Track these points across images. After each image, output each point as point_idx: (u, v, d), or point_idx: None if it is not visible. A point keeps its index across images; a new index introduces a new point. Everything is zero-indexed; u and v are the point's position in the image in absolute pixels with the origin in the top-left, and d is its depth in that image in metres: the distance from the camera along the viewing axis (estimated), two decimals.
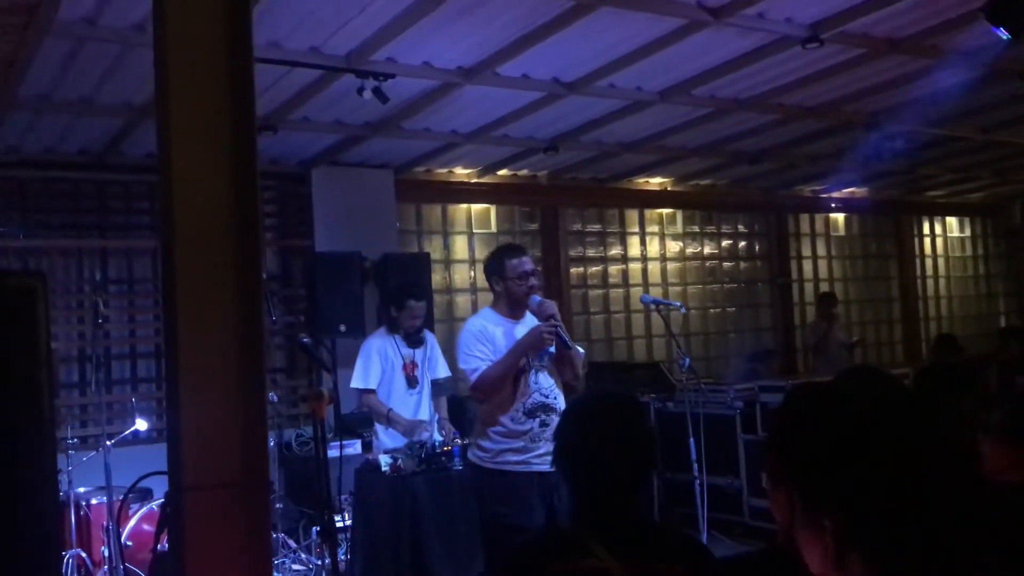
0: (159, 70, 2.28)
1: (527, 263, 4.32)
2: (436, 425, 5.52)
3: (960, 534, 1.06)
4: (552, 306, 4.22)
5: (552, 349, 4.22)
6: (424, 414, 5.81)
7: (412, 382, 5.87)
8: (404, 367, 5.88)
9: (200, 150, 2.25)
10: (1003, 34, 4.51)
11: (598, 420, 2.18)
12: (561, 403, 4.24)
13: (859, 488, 1.07)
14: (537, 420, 4.15)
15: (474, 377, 4.17)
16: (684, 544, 2.11)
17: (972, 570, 1.06)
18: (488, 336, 4.23)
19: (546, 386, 4.23)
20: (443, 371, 6.04)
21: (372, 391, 5.86)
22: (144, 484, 5.16)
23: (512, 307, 4.32)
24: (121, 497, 5.23)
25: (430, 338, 6.13)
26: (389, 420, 5.75)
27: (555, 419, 4.16)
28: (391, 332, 5.96)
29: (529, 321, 4.27)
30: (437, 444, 5.20)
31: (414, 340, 5.90)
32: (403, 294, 6.00)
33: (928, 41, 5.82)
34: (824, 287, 11.42)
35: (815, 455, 1.13)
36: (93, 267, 7.33)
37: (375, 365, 5.85)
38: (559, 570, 1.89)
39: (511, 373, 4.16)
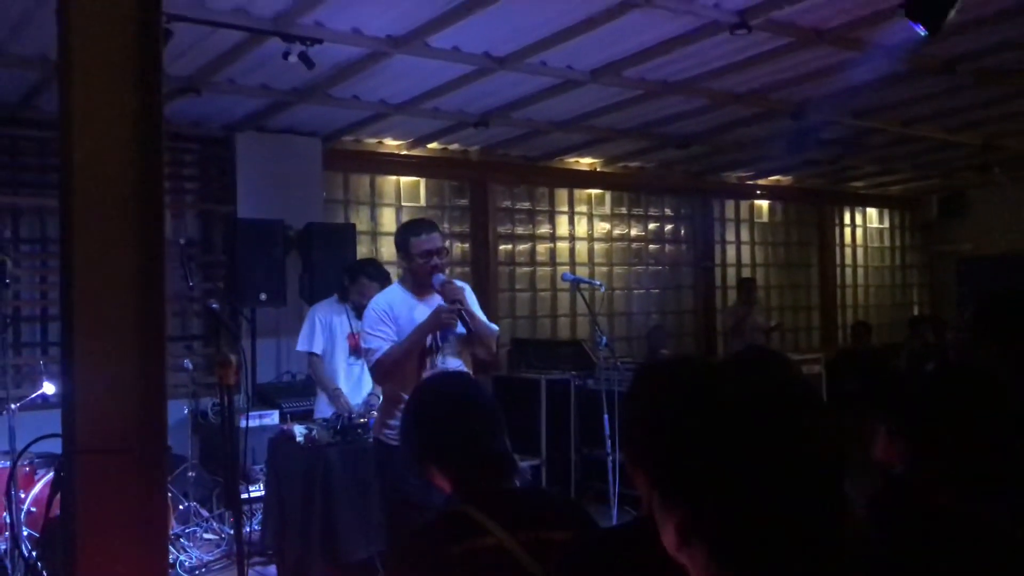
0: (62, 22, 2.19)
1: (435, 239, 4.17)
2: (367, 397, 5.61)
3: (805, 544, 0.99)
4: (457, 291, 4.10)
5: (461, 329, 4.11)
6: (368, 386, 5.83)
7: (355, 351, 5.86)
8: (348, 336, 5.89)
9: (103, 105, 2.18)
10: (921, 30, 4.62)
11: (463, 397, 2.21)
12: None
13: (703, 479, 1.00)
14: None
15: (374, 359, 4.10)
16: (569, 510, 2.14)
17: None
18: (392, 316, 4.14)
19: (452, 366, 4.13)
20: None
21: (317, 355, 5.88)
22: (52, 449, 5.04)
23: (417, 284, 4.22)
24: (24, 462, 5.09)
25: None
26: (332, 397, 5.78)
27: None
28: (341, 301, 5.96)
29: (435, 299, 4.15)
30: (354, 415, 5.19)
31: (362, 313, 5.89)
32: (359, 269, 5.99)
33: (853, 33, 5.94)
34: (746, 272, 11.65)
35: (664, 439, 1.05)
36: (4, 225, 7.07)
37: (318, 330, 5.88)
38: (460, 552, 1.88)
39: (412, 354, 4.07)
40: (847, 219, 12.95)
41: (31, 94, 6.45)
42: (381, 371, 4.14)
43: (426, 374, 4.00)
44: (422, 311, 4.15)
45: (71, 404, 2.19)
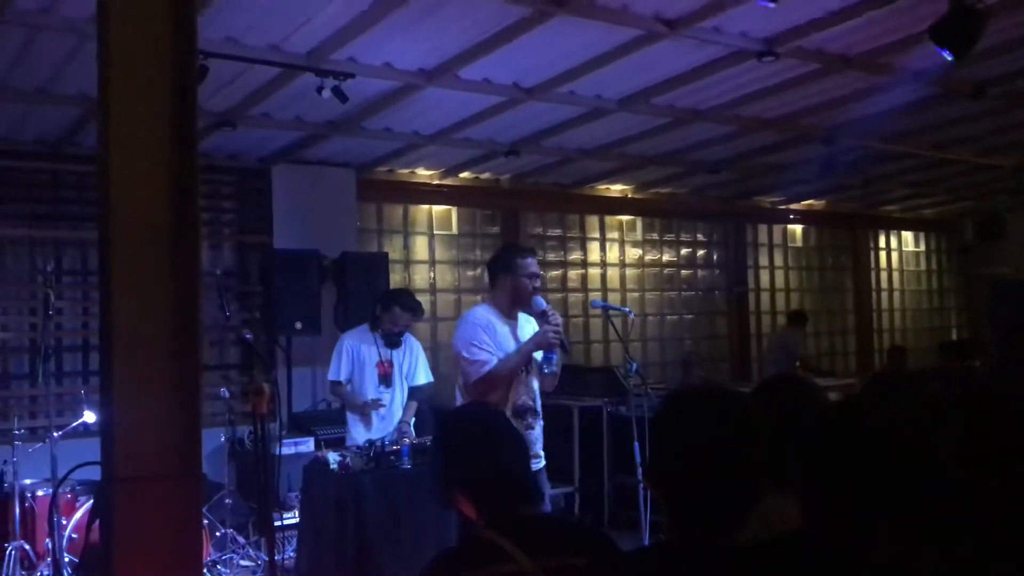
0: (102, 60, 2.29)
1: (536, 264, 4.37)
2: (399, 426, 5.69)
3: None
4: (557, 316, 4.26)
5: (554, 354, 4.24)
6: (399, 414, 5.95)
7: (385, 380, 5.93)
8: (378, 364, 5.97)
9: (140, 141, 2.26)
10: (947, 55, 4.62)
11: (490, 425, 2.25)
12: (540, 408, 4.33)
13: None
14: (523, 422, 4.17)
15: (484, 371, 4.11)
16: (592, 537, 2.16)
17: None
18: (492, 330, 4.22)
19: (534, 389, 4.28)
20: (424, 378, 6.15)
21: (340, 383, 5.97)
22: (93, 477, 5.14)
23: (512, 305, 4.31)
24: (66, 489, 5.20)
25: (413, 343, 6.20)
26: (364, 409, 5.86)
27: (536, 423, 4.27)
28: (372, 329, 6.03)
29: (520, 322, 4.32)
30: (387, 443, 5.24)
31: (392, 341, 5.98)
32: (393, 298, 6.10)
33: (881, 59, 5.95)
34: (780, 297, 11.59)
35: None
36: (47, 258, 7.25)
37: (345, 359, 5.96)
38: None
39: (518, 372, 4.20)
40: (882, 243, 12.86)
41: (72, 130, 6.63)
42: (489, 384, 4.13)
43: (514, 392, 4.14)
44: (507, 332, 4.27)
45: (109, 432, 2.26)
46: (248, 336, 4.36)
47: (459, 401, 4.23)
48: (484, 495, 2.13)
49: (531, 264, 4.32)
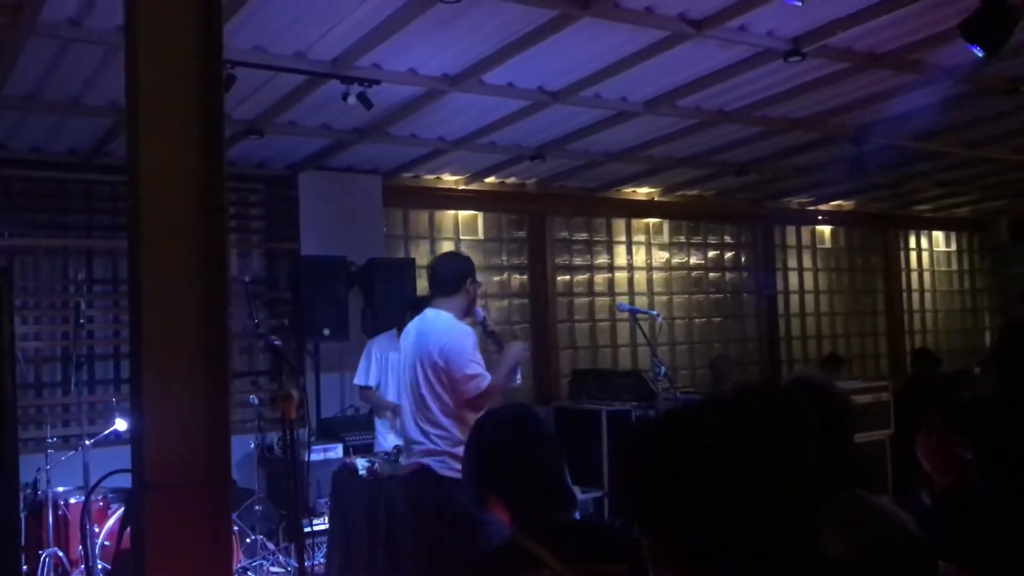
0: (130, 71, 2.30)
1: None
2: None
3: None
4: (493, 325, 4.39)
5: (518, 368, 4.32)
6: None
7: None
8: None
9: (169, 150, 2.28)
10: (978, 51, 4.56)
11: (525, 428, 2.22)
12: None
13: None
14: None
15: (484, 384, 4.09)
16: (627, 542, 2.13)
17: None
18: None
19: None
20: None
21: (370, 388, 5.97)
22: (124, 484, 5.18)
23: (465, 313, 4.32)
24: (98, 497, 5.25)
25: None
26: (396, 411, 5.86)
27: None
28: (400, 336, 6.04)
29: None
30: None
31: None
32: (422, 305, 6.07)
33: (910, 56, 5.88)
34: (810, 299, 11.48)
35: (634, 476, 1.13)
36: (78, 267, 7.33)
37: (373, 364, 5.97)
38: None
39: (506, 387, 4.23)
40: (912, 243, 12.70)
41: (103, 141, 6.70)
42: (489, 398, 4.10)
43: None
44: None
45: (139, 439, 2.27)
46: (276, 342, 4.36)
47: (442, 418, 4.14)
48: (519, 500, 2.11)
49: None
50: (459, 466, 3.96)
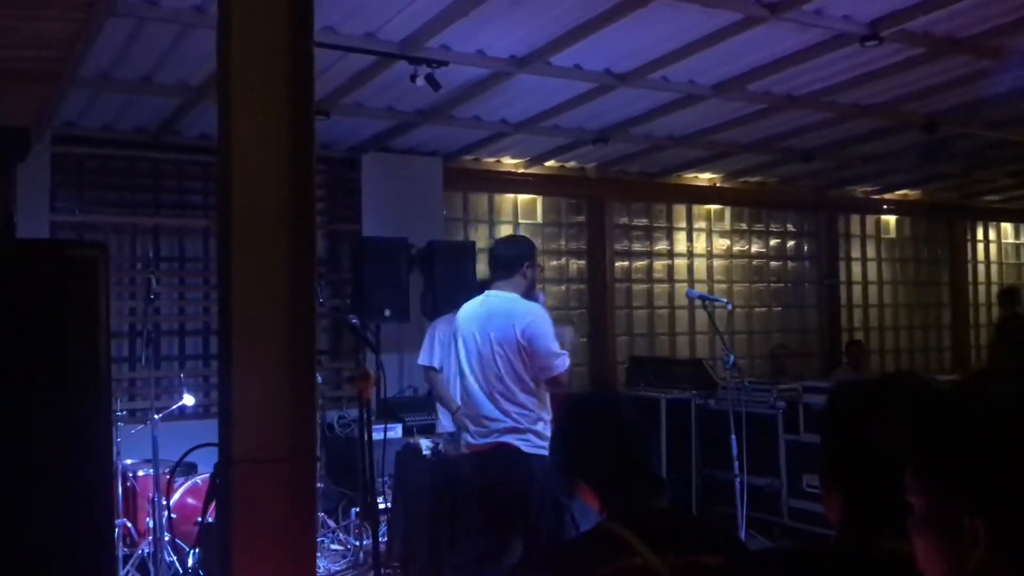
0: (221, 50, 2.31)
1: None
2: None
3: None
4: None
5: None
6: None
7: None
8: None
9: (259, 133, 2.29)
10: None
11: (614, 414, 2.19)
12: None
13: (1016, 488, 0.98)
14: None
15: (568, 363, 4.19)
16: (719, 535, 2.10)
17: None
18: None
19: None
20: None
21: (435, 369, 5.98)
22: (189, 459, 5.27)
23: (525, 296, 4.35)
24: (168, 470, 5.34)
25: None
26: (454, 418, 5.87)
27: None
28: None
29: None
30: None
31: None
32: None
33: (992, 41, 5.71)
34: (873, 290, 11.27)
35: (960, 453, 1.04)
36: (146, 244, 7.46)
37: (436, 345, 5.97)
38: (605, 573, 1.86)
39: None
40: (980, 234, 12.40)
41: (171, 120, 6.79)
42: (567, 376, 4.22)
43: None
44: None
45: (227, 415, 2.30)
46: (355, 321, 4.39)
47: (523, 396, 4.19)
48: (608, 487, 2.08)
49: None
50: (541, 442, 4.00)
